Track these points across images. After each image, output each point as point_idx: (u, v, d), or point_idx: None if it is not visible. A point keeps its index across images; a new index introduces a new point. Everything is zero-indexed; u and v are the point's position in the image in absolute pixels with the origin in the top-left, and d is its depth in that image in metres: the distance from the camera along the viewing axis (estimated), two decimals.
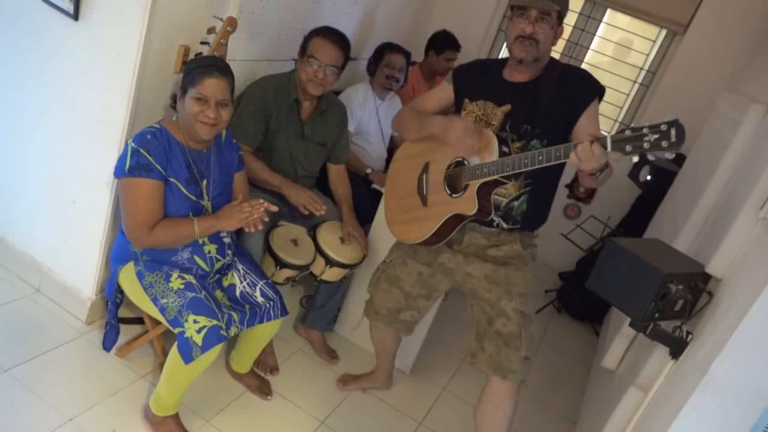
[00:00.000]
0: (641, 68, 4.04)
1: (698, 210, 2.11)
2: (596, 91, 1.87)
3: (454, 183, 1.93)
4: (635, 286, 1.68)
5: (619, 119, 4.14)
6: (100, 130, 2.09)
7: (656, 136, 1.43)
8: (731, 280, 1.75)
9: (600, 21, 4.07)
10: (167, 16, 1.97)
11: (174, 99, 1.93)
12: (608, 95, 1.95)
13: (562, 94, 1.84)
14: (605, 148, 1.53)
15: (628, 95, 4.10)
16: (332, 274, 2.47)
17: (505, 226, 1.96)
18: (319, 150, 2.61)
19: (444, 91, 2.08)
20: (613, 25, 4.11)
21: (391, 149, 3.34)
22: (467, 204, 1.85)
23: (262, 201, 1.91)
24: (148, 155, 1.78)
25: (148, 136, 1.80)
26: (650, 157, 1.53)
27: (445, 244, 2.00)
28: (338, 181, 2.73)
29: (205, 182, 1.94)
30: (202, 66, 1.82)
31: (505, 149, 1.81)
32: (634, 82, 4.06)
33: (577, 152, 1.57)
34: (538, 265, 4.27)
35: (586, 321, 3.89)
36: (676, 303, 1.68)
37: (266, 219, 1.93)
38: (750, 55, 3.45)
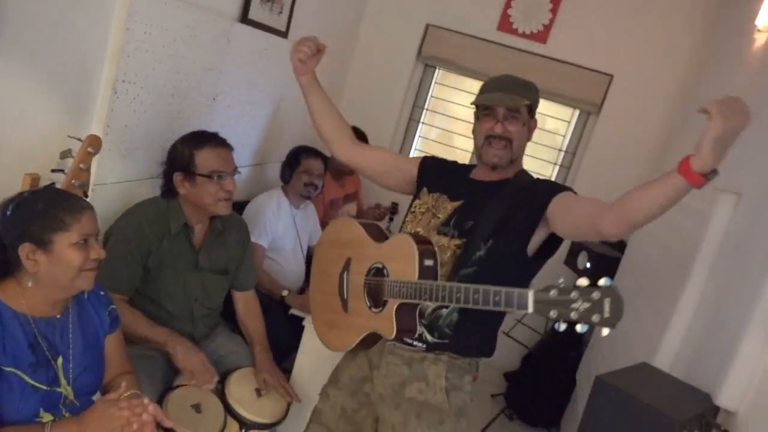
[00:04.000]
0: (560, 149, 3.92)
1: (677, 320, 1.82)
2: (563, 188, 1.62)
3: (374, 293, 1.67)
4: None
5: None
6: None
7: (586, 305, 1.19)
8: (748, 413, 1.44)
9: None
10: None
11: None
12: None
13: (522, 200, 1.62)
14: (525, 308, 1.29)
15: (549, 178, 3.95)
16: None
17: (430, 339, 1.65)
18: (220, 279, 2.16)
19: (410, 163, 1.88)
20: None
21: (309, 263, 2.92)
22: (385, 325, 1.60)
23: (147, 402, 1.37)
24: None
25: None
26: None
27: (368, 366, 1.78)
28: (248, 314, 2.25)
29: (60, 360, 1.41)
30: (63, 204, 1.35)
31: (429, 263, 1.53)
32: (554, 164, 3.92)
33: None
34: (482, 366, 3.94)
35: (540, 426, 3.50)
36: None
37: None
38: (669, 131, 3.40)
